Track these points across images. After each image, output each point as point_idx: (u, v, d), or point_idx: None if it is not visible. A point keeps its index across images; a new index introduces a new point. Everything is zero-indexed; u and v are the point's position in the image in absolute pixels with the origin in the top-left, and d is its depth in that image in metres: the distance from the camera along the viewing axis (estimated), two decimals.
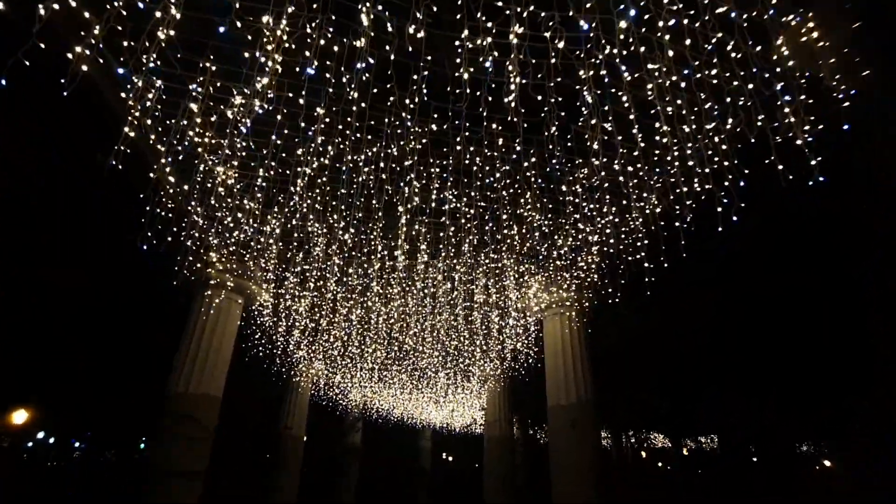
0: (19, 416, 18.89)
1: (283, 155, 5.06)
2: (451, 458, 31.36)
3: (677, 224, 4.87)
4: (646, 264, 5.58)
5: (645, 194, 5.64)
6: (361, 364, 12.74)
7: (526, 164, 4.66)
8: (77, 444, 25.52)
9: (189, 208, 5.89)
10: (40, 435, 24.30)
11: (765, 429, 13.12)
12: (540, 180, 5.46)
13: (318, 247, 6.95)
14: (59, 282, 13.72)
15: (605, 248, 6.67)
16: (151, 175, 4.52)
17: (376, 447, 21.56)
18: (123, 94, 4.48)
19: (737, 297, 11.04)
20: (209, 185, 5.55)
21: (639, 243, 5.78)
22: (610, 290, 6.46)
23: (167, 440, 6.85)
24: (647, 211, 5.62)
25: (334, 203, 5.99)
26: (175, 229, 5.82)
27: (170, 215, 5.73)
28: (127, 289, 14.69)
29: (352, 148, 4.94)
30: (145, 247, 5.33)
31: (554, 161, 5.29)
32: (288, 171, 5.36)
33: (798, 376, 11.91)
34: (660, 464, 28.93)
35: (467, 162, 5.05)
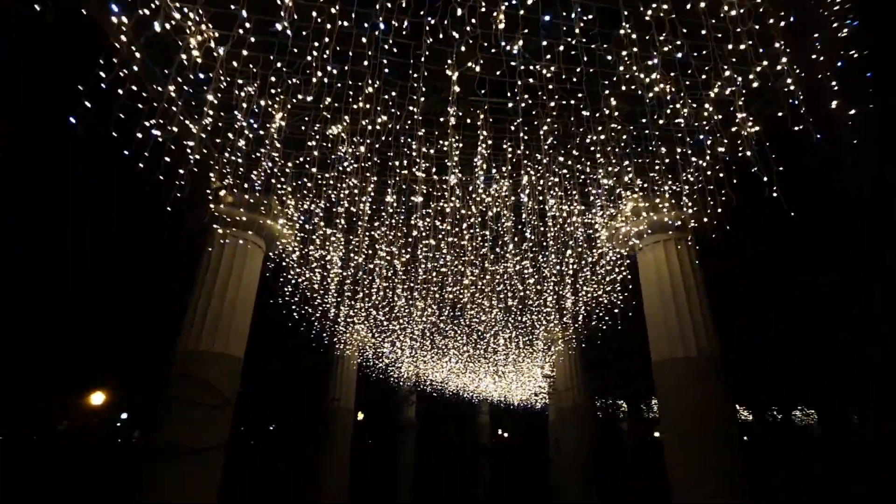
0: (97, 398, 19.39)
1: None
2: (506, 435, 30.08)
3: None
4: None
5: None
6: (410, 328, 11.17)
7: None
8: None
9: (159, 88, 4.29)
10: (124, 416, 24.99)
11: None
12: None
13: (343, 156, 5.22)
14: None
15: (755, 123, 4.48)
16: None
17: (432, 422, 20.43)
18: None
19: None
20: (178, 43, 3.91)
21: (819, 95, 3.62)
22: (765, 178, 4.26)
23: (170, 410, 5.48)
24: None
25: (352, 77, 4.20)
26: (147, 124, 4.22)
27: (131, 95, 4.13)
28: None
29: None
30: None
31: None
32: (282, 14, 3.63)
33: None
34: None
35: None
